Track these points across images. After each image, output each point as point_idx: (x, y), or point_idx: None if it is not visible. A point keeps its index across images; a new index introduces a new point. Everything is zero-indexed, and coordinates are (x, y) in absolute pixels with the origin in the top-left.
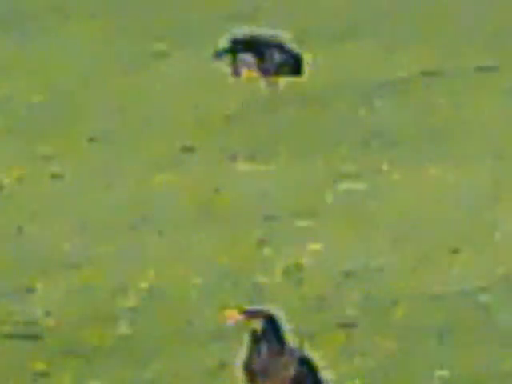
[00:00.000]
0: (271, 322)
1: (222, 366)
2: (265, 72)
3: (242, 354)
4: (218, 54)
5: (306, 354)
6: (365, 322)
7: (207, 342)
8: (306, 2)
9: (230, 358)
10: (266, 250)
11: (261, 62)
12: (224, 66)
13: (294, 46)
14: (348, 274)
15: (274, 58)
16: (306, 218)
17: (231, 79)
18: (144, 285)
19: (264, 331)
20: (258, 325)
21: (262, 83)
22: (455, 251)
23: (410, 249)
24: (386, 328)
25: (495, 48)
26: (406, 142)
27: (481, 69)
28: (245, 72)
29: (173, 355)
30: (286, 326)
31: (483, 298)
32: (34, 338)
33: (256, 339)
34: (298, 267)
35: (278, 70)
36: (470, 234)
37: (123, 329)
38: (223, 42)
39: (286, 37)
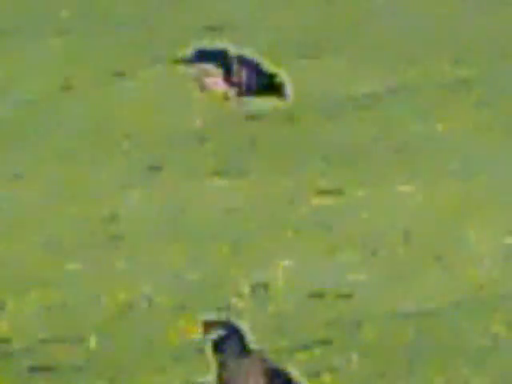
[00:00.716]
0: (232, 330)
1: None
2: (233, 85)
3: (211, 370)
4: (185, 60)
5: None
6: (335, 341)
7: (176, 359)
8: (269, 18)
9: (198, 376)
10: (235, 268)
11: (228, 76)
12: (190, 82)
13: (263, 63)
14: (317, 292)
15: (242, 73)
16: (275, 235)
17: (198, 95)
18: (112, 302)
19: (225, 340)
20: (216, 334)
21: (232, 102)
22: (423, 269)
23: (381, 266)
24: (357, 347)
25: (462, 62)
26: (372, 159)
27: (448, 83)
28: (211, 83)
29: (143, 372)
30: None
31: (451, 316)
32: (3, 355)
33: (219, 350)
34: (267, 285)
35: (252, 90)
36: (440, 252)
37: (93, 345)
38: (189, 52)
39: (250, 53)
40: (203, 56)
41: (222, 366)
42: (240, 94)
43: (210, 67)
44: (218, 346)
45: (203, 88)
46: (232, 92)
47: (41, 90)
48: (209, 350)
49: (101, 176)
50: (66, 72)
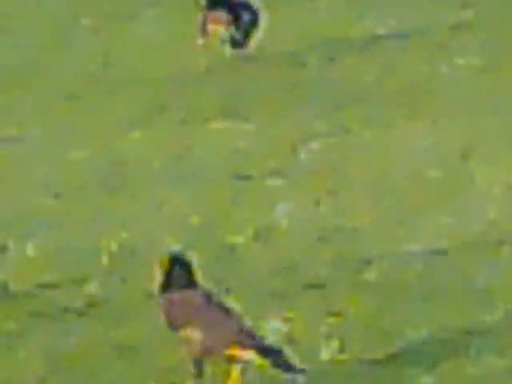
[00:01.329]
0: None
1: None
2: (234, 38)
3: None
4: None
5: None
6: (339, 282)
7: None
8: None
9: None
10: (238, 210)
11: (233, 23)
12: (195, 26)
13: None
14: (321, 234)
15: (244, 21)
16: (278, 177)
17: (202, 39)
18: (116, 245)
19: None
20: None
21: (227, 50)
22: (429, 209)
23: (384, 207)
24: (361, 287)
25: (465, 5)
26: (376, 101)
27: (451, 26)
28: (213, 28)
29: (144, 317)
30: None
31: (458, 255)
32: (4, 299)
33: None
34: (270, 227)
35: (247, 33)
36: (443, 192)
37: (95, 290)
38: None
39: None
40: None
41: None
42: (242, 38)
43: (217, 13)
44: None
45: (204, 33)
46: (235, 36)
47: (47, 34)
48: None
49: (105, 118)
50: (70, 15)
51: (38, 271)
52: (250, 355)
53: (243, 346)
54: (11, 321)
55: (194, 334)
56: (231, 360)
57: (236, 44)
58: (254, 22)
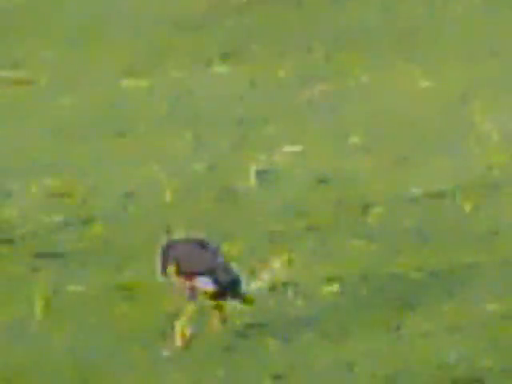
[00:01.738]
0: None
1: None
2: None
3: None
4: None
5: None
6: (340, 225)
7: None
8: None
9: None
10: (240, 153)
11: None
12: None
13: None
14: (322, 177)
15: None
16: (281, 121)
17: None
18: (119, 187)
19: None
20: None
21: None
22: (429, 153)
23: (384, 151)
24: (361, 230)
25: None
26: (377, 44)
27: None
28: None
29: (148, 258)
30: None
31: (459, 199)
32: (10, 241)
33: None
34: (272, 170)
35: None
36: (444, 136)
37: (99, 231)
38: None
39: None
40: None
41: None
42: None
43: None
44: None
45: None
46: None
47: None
48: None
49: (105, 64)
50: None
51: (42, 214)
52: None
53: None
54: (17, 262)
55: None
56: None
57: None
58: None
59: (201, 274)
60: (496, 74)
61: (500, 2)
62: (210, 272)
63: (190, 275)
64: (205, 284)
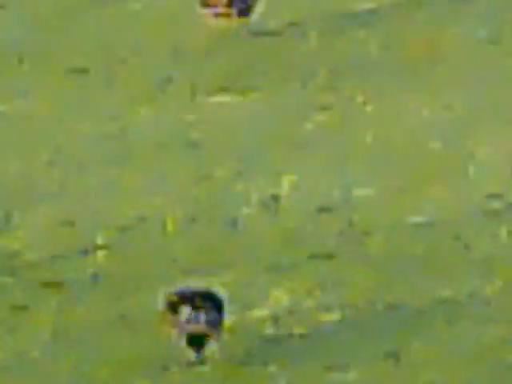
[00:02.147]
0: None
1: None
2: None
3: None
4: None
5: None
6: (343, 253)
7: (185, 272)
8: None
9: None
10: (243, 182)
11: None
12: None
13: None
14: (325, 205)
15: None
16: (283, 149)
17: (202, 12)
18: (121, 217)
19: None
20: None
21: (234, 20)
22: (430, 181)
23: (387, 180)
24: (362, 259)
25: None
26: (378, 74)
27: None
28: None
29: (150, 287)
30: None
31: (459, 227)
32: (14, 270)
33: None
34: (275, 198)
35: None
36: (445, 165)
37: (101, 260)
38: None
39: None
40: None
41: None
42: (242, 12)
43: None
44: None
45: (205, 3)
46: (234, 10)
47: (52, 10)
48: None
49: (110, 92)
50: None
51: (45, 243)
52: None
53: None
54: (20, 291)
55: None
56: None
57: (242, 12)
58: None
59: None
60: (497, 102)
61: (502, 32)
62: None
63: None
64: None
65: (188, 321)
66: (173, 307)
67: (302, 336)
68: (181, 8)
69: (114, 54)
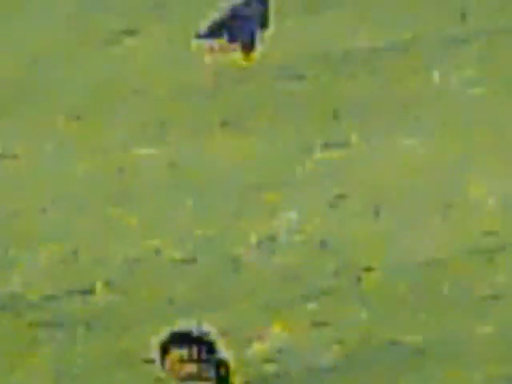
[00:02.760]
0: None
1: None
2: (243, 45)
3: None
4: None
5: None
6: (339, 290)
7: (183, 313)
8: None
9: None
10: (241, 221)
11: (240, 38)
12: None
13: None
14: (321, 244)
15: (252, 30)
16: (280, 189)
17: (200, 53)
18: (122, 256)
19: None
20: None
21: (238, 56)
22: (426, 220)
23: (382, 218)
24: (359, 296)
25: (461, 18)
26: (375, 114)
27: (447, 39)
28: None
29: (151, 326)
30: None
31: (454, 266)
32: (15, 310)
33: None
34: (272, 237)
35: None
36: (441, 205)
37: (100, 301)
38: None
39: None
40: (215, 27)
41: None
42: (246, 50)
43: (224, 43)
44: None
45: (212, 49)
46: (242, 51)
47: (51, 49)
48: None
49: (108, 132)
50: (75, 30)
51: (47, 282)
52: None
53: None
54: (21, 331)
55: None
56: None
57: (245, 47)
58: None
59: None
60: (489, 143)
61: (496, 74)
62: None
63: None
64: None
65: (180, 362)
66: (165, 349)
67: (299, 373)
68: (179, 46)
69: (113, 93)
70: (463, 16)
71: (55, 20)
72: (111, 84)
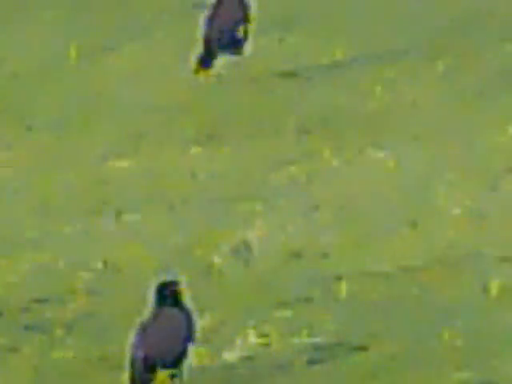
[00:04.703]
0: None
1: None
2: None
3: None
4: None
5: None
6: (312, 299)
7: None
8: None
9: None
10: (216, 230)
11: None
12: (169, 58)
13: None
14: (294, 254)
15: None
16: (253, 201)
17: (175, 69)
18: (101, 263)
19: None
20: None
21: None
22: (394, 231)
23: (351, 229)
24: (331, 303)
25: (435, 33)
26: (346, 127)
27: (418, 55)
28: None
29: (129, 330)
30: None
31: (422, 275)
32: None
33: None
34: (246, 247)
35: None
36: (409, 215)
37: (81, 305)
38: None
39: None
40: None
41: None
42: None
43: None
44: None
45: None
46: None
47: (31, 64)
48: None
49: (88, 145)
50: (55, 46)
51: (28, 288)
52: None
53: None
54: (3, 335)
55: None
56: None
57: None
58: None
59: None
60: (454, 157)
61: (465, 87)
62: None
63: None
64: None
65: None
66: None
67: (274, 377)
68: (156, 61)
69: (92, 107)
70: (433, 32)
71: (34, 37)
72: (90, 98)
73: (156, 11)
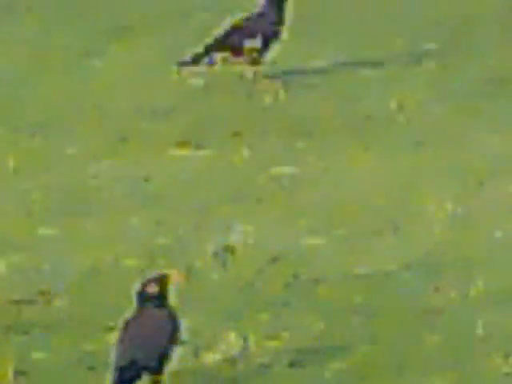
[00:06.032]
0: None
1: None
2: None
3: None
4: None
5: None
6: (293, 302)
7: None
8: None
9: None
10: (198, 233)
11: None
12: (153, 60)
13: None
14: (274, 257)
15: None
16: (237, 203)
17: (160, 71)
18: (82, 265)
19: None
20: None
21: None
22: (377, 234)
23: (334, 231)
24: (312, 306)
25: (424, 39)
26: (330, 132)
27: (404, 59)
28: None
29: (111, 330)
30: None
31: (403, 277)
32: None
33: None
34: (229, 249)
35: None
36: (391, 218)
37: (62, 306)
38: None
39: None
40: (210, 47)
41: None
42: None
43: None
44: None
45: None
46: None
47: (14, 67)
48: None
49: (72, 146)
50: (38, 49)
51: (7, 289)
52: None
53: None
54: None
55: None
56: None
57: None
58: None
59: None
60: (438, 164)
61: (453, 92)
62: None
63: None
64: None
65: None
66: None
67: (254, 380)
68: (143, 64)
69: (76, 108)
70: (417, 35)
71: (18, 40)
72: (73, 101)
73: (141, 14)
